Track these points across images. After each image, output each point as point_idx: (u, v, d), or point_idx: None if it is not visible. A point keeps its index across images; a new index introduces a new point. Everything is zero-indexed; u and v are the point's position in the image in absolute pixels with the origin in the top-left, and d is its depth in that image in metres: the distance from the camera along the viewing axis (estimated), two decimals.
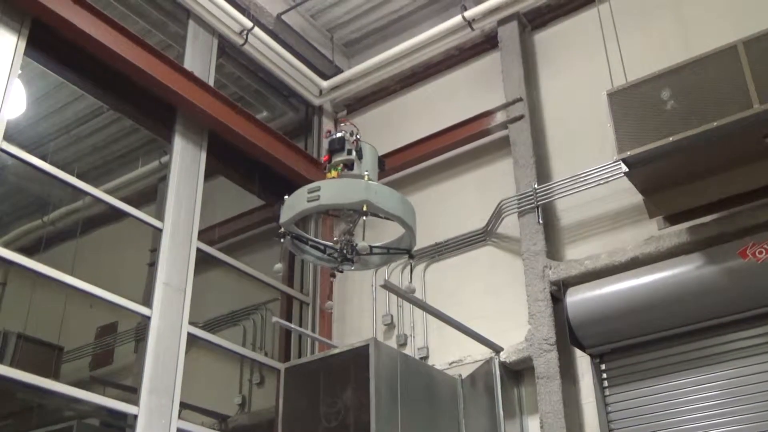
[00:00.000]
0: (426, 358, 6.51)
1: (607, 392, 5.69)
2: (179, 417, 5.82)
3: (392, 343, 6.69)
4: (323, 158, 4.07)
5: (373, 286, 7.15)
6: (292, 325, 6.64)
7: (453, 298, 6.56)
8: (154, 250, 6.27)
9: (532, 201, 6.28)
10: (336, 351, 5.21)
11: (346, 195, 3.66)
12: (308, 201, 3.66)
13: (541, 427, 5.55)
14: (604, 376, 5.73)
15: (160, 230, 6.20)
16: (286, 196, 3.88)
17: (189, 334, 6.14)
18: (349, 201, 3.67)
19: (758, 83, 4.71)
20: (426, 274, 6.98)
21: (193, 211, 6.51)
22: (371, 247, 3.92)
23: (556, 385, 5.59)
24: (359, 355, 4.93)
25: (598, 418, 5.59)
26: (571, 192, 6.19)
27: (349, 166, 3.89)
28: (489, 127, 7.02)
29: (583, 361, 5.81)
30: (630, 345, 5.62)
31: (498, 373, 5.82)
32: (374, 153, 4.07)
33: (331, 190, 3.66)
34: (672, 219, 5.46)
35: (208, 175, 6.88)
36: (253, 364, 7.24)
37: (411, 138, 7.52)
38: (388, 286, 5.43)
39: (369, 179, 3.79)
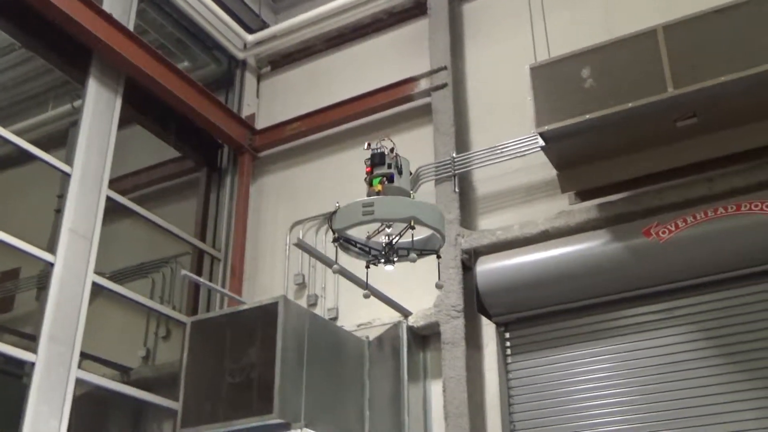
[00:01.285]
0: (335, 319, 6.53)
1: (509, 360, 5.84)
2: (79, 367, 5.71)
3: (302, 302, 6.68)
4: (366, 169, 4.44)
5: (286, 245, 7.11)
6: (202, 280, 6.55)
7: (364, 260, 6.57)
8: (62, 196, 6.08)
9: (450, 169, 6.33)
10: (244, 307, 5.17)
11: (396, 211, 4.14)
12: (363, 215, 4.10)
13: (444, 391, 5.65)
14: (508, 344, 5.88)
15: (69, 175, 6.01)
16: (337, 203, 4.29)
17: (94, 283, 6.00)
18: (400, 216, 4.13)
19: (674, 68, 4.84)
20: None
21: (105, 158, 6.33)
22: (409, 251, 4.37)
23: (460, 351, 5.69)
24: (268, 312, 4.91)
25: (498, 384, 5.73)
26: (488, 163, 6.27)
27: (389, 178, 4.32)
28: (412, 94, 7.02)
29: (488, 329, 5.93)
30: (534, 315, 5.76)
31: (405, 337, 5.90)
32: (408, 165, 4.49)
33: (384, 207, 4.13)
34: (583, 195, 5.60)
35: (123, 122, 6.69)
36: (159, 318, 7.13)
37: (334, 99, 7.47)
38: (301, 246, 5.42)
39: (413, 197, 4.34)
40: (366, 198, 4.23)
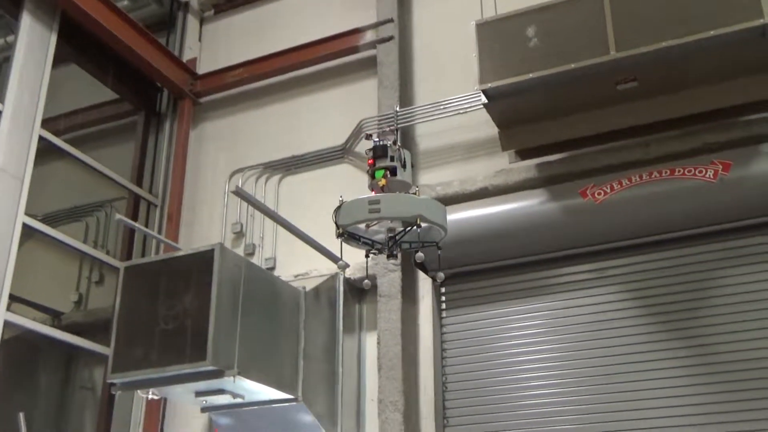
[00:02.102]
0: (272, 269, 6.51)
1: (444, 314, 5.93)
2: (8, 309, 5.59)
3: (240, 251, 6.64)
4: (368, 161, 4.42)
5: (225, 193, 7.03)
6: (137, 225, 6.44)
7: (305, 212, 6.55)
8: None
9: (393, 123, 6.31)
10: (180, 253, 5.10)
11: (403, 209, 4.12)
12: (370, 212, 4.10)
13: (378, 343, 5.71)
14: (443, 299, 5.96)
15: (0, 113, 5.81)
16: (341, 197, 4.25)
17: (25, 225, 5.86)
18: (406, 215, 4.12)
19: (617, 31, 4.87)
20: (280, 186, 6.93)
21: (38, 96, 6.14)
22: (411, 244, 4.37)
23: (396, 304, 5.75)
24: (203, 260, 4.85)
25: (433, 338, 5.81)
26: (431, 118, 6.26)
27: (392, 171, 4.34)
28: (357, 45, 6.95)
29: (425, 283, 5.99)
30: (470, 271, 5.84)
31: (341, 288, 5.92)
32: (410, 158, 4.49)
33: (391, 204, 4.12)
34: (523, 154, 5.64)
35: (58, 61, 6.48)
36: (93, 262, 7.01)
37: (279, 47, 7.34)
38: (239, 194, 5.36)
39: (419, 194, 4.32)
40: (372, 195, 4.24)
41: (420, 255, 4.25)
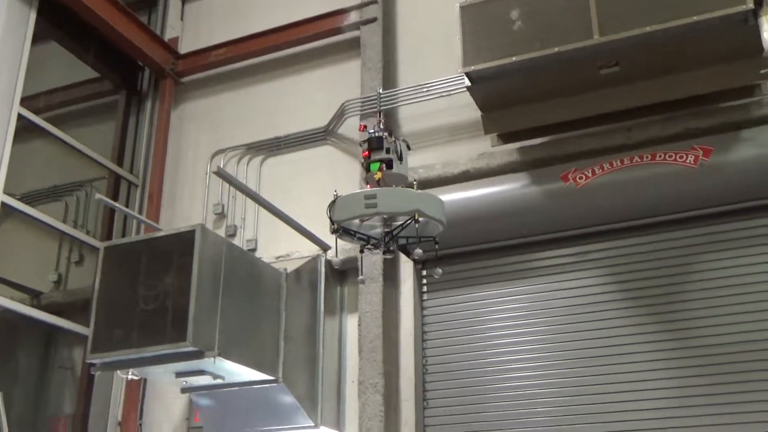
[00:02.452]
0: (254, 250, 6.50)
1: (425, 297, 5.94)
2: None
3: (221, 232, 6.62)
4: (363, 153, 4.29)
5: (206, 174, 7.00)
6: (117, 204, 6.40)
7: (287, 193, 6.54)
8: None
9: (375, 105, 6.29)
10: (160, 234, 5.08)
11: (400, 204, 4.02)
12: (366, 207, 3.97)
13: (359, 325, 5.72)
14: (424, 281, 5.97)
15: None
16: (335, 191, 4.13)
17: (3, 204, 5.80)
18: (404, 210, 4.02)
19: (601, 15, 4.87)
20: (263, 167, 6.90)
21: (17, 74, 6.06)
22: (408, 240, 4.27)
23: (377, 287, 5.75)
24: (184, 240, 4.83)
25: (414, 321, 5.83)
26: (414, 101, 6.24)
27: (387, 164, 4.21)
28: (341, 26, 6.91)
29: (406, 266, 5.99)
30: (451, 254, 5.83)
31: (323, 270, 5.92)
32: (407, 150, 4.37)
33: (387, 199, 4.00)
34: (505, 137, 5.65)
35: (38, 38, 6.40)
36: (72, 242, 6.97)
37: (262, 27, 7.29)
38: (221, 174, 5.33)
39: (417, 188, 4.22)
40: (368, 189, 4.12)
41: (418, 251, 4.13)
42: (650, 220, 5.38)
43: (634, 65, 5.00)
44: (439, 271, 4.53)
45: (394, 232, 4.19)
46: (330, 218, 4.14)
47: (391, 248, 4.30)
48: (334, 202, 4.12)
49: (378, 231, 4.32)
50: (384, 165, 4.21)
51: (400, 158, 4.28)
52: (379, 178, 4.19)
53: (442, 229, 4.26)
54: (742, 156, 5.03)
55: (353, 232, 4.26)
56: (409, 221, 4.03)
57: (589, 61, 5.00)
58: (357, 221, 4.19)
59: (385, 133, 4.29)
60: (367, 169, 4.25)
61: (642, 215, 5.38)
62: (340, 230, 4.18)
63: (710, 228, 5.28)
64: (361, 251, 4.38)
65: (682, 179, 5.13)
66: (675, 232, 5.37)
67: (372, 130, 4.32)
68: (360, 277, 4.85)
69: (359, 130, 4.77)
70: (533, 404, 5.34)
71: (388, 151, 4.24)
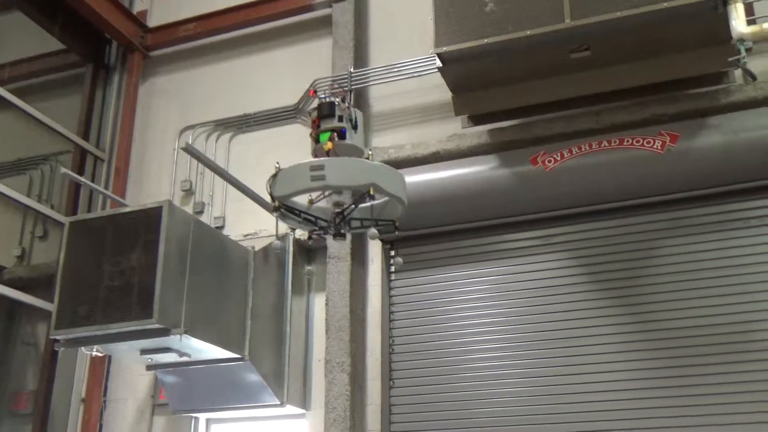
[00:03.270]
0: (222, 228, 6.46)
1: (392, 277, 5.96)
2: None
3: (189, 209, 6.54)
4: (312, 122, 3.75)
5: (174, 150, 6.93)
6: (83, 179, 6.30)
7: (256, 171, 6.46)
8: None
9: (346, 84, 6.25)
10: (127, 210, 5.01)
11: (353, 177, 3.44)
12: (312, 180, 3.39)
13: (326, 304, 5.72)
14: (392, 262, 5.97)
15: None
16: (277, 164, 3.55)
17: None
18: (357, 183, 3.45)
19: (573, 0, 4.89)
20: (231, 144, 6.85)
21: None
22: (363, 222, 3.73)
23: (345, 266, 5.75)
24: (151, 216, 4.78)
25: (381, 300, 5.85)
26: (385, 80, 6.22)
27: (340, 133, 3.66)
28: (312, 3, 6.85)
29: (374, 247, 6.00)
30: (420, 235, 5.86)
31: (291, 249, 5.91)
32: (362, 119, 3.84)
33: (338, 171, 3.40)
34: (476, 119, 5.66)
35: (2, 7, 6.28)
36: (37, 217, 6.87)
37: (232, 2, 7.20)
38: (189, 151, 5.27)
39: (372, 159, 3.64)
40: (314, 159, 3.54)
41: (373, 232, 3.65)
42: (617, 204, 5.44)
43: (604, 50, 5.03)
44: (400, 260, 4.21)
45: (346, 213, 3.63)
46: (270, 194, 3.61)
47: (343, 231, 3.75)
48: (275, 175, 3.57)
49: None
50: (335, 135, 3.67)
51: (355, 127, 3.76)
52: (329, 149, 3.66)
53: (402, 210, 3.74)
54: (708, 142, 5.10)
55: (298, 212, 3.74)
56: (363, 198, 3.49)
57: (560, 45, 5.01)
58: (306, 204, 3.70)
59: (338, 99, 3.76)
60: (317, 139, 3.71)
61: (609, 199, 5.43)
62: (282, 209, 3.62)
63: (675, 213, 5.36)
64: (310, 238, 3.86)
65: (648, 164, 5.18)
66: (641, 217, 5.44)
67: (323, 95, 3.80)
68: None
69: (309, 95, 4.19)
70: (498, 384, 5.40)
71: (341, 119, 3.72)
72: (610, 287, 5.37)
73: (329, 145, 3.65)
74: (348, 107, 3.79)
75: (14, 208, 6.73)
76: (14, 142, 7.08)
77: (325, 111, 3.73)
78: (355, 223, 3.78)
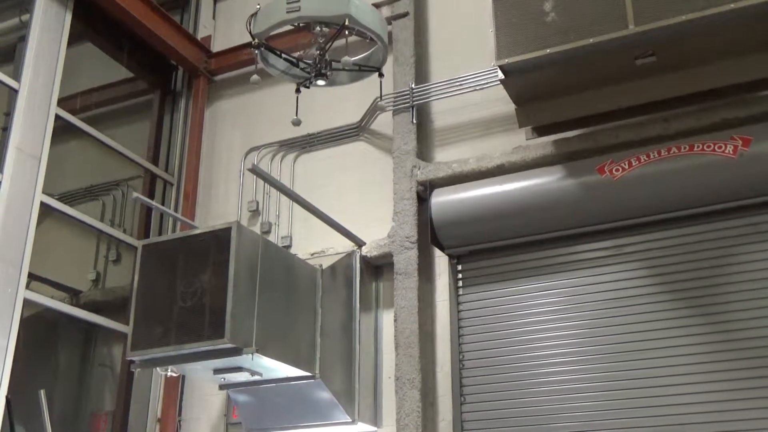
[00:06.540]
0: (289, 247, 6.52)
1: (460, 291, 5.91)
2: (27, 288, 5.63)
3: (256, 229, 6.64)
4: None
5: (241, 171, 7.04)
6: (154, 203, 6.46)
7: (321, 190, 6.56)
8: (9, 114, 5.90)
9: (408, 100, 6.28)
10: (197, 231, 5.11)
11: (327, 8, 3.48)
12: (288, 12, 3.44)
13: (395, 320, 5.71)
14: (460, 276, 5.93)
15: (16, 91, 5.83)
16: (258, 4, 3.58)
17: (42, 203, 5.89)
18: (331, 14, 3.48)
19: (636, 5, 4.81)
20: (296, 164, 6.92)
21: (54, 75, 6.14)
22: (344, 65, 3.77)
23: (413, 282, 5.74)
24: (220, 238, 4.86)
25: (449, 316, 5.81)
26: (447, 95, 6.22)
27: None
28: None
29: (441, 261, 5.98)
30: (486, 248, 5.81)
31: (358, 266, 5.93)
32: None
33: (312, 2, 3.45)
34: (540, 130, 5.60)
35: (74, 39, 6.47)
36: (110, 241, 7.05)
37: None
38: (256, 171, 5.36)
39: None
40: None
41: (346, 59, 3.61)
42: (688, 212, 5.30)
43: (670, 55, 4.94)
44: (347, 59, 3.94)
45: (325, 47, 3.65)
46: (250, 32, 3.64)
47: (324, 71, 3.76)
48: (255, 14, 3.61)
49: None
50: None
51: None
52: None
53: (380, 47, 3.68)
54: None
55: (278, 52, 3.75)
56: (339, 31, 3.46)
57: (624, 52, 4.94)
58: (296, 59, 3.66)
59: None
60: None
61: (680, 207, 5.30)
62: (262, 46, 3.68)
63: (751, 219, 5.19)
64: (297, 90, 3.79)
65: (720, 170, 5.06)
66: (713, 224, 5.28)
67: None
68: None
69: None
70: (571, 399, 5.29)
71: None
72: (684, 297, 5.22)
73: None
74: None
75: (88, 234, 6.92)
76: (87, 169, 7.28)
77: None
78: (336, 65, 3.76)
